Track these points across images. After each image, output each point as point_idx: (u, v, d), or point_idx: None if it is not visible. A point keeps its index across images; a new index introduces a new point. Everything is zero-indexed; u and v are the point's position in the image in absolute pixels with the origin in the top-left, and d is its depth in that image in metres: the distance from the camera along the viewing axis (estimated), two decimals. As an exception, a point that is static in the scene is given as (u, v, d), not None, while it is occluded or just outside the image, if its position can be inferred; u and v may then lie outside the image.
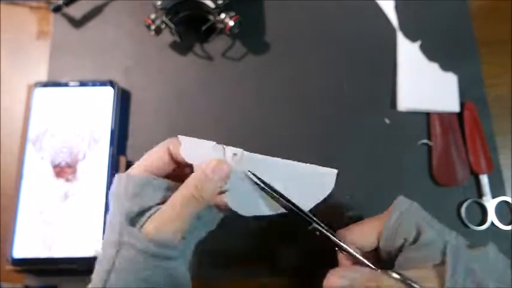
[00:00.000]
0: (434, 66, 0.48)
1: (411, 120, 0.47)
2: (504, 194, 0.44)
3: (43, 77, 0.47)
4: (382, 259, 0.31)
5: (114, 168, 0.42)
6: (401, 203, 0.31)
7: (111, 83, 0.45)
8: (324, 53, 0.49)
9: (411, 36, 0.50)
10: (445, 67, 0.48)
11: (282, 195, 0.30)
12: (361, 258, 0.30)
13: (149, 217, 0.28)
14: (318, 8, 0.51)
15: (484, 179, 0.44)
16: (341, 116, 0.47)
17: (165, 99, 0.47)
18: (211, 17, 0.46)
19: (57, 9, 0.47)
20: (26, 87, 0.46)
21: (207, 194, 0.28)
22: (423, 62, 0.49)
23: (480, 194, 0.44)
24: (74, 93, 0.45)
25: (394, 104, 0.47)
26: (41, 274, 0.41)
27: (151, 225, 0.27)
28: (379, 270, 0.29)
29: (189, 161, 0.30)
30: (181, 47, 0.49)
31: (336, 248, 0.31)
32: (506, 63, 0.50)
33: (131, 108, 0.47)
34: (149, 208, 0.29)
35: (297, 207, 0.30)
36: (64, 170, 0.42)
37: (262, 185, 0.30)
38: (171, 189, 0.30)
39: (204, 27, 0.46)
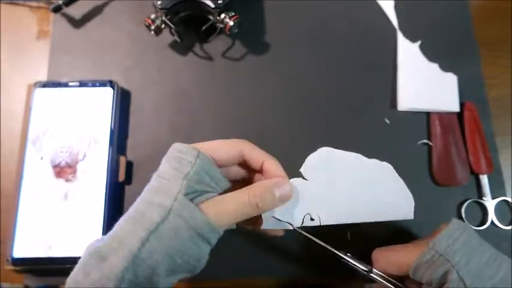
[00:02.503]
0: (434, 66, 0.48)
1: (411, 120, 0.47)
2: (504, 194, 0.44)
3: (43, 77, 0.47)
4: None
5: (114, 168, 0.42)
6: (442, 239, 0.31)
7: (111, 83, 0.45)
8: (324, 53, 0.49)
9: (411, 36, 0.50)
10: (445, 67, 0.48)
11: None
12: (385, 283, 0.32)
13: (203, 201, 0.29)
14: (317, 7, 0.51)
15: (484, 179, 0.44)
16: (341, 116, 0.47)
17: (165, 99, 0.47)
18: (211, 17, 0.46)
19: (57, 9, 0.47)
20: (26, 87, 0.46)
21: (265, 207, 0.30)
22: (423, 62, 0.49)
23: (480, 194, 0.44)
24: (73, 93, 0.45)
25: (394, 104, 0.47)
26: (41, 274, 0.41)
27: (212, 210, 0.28)
28: None
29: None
30: (181, 47, 0.49)
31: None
32: (506, 63, 0.50)
33: (131, 108, 0.47)
34: (202, 192, 0.29)
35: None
36: (64, 170, 0.42)
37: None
38: (222, 186, 0.31)
39: (204, 27, 0.46)
